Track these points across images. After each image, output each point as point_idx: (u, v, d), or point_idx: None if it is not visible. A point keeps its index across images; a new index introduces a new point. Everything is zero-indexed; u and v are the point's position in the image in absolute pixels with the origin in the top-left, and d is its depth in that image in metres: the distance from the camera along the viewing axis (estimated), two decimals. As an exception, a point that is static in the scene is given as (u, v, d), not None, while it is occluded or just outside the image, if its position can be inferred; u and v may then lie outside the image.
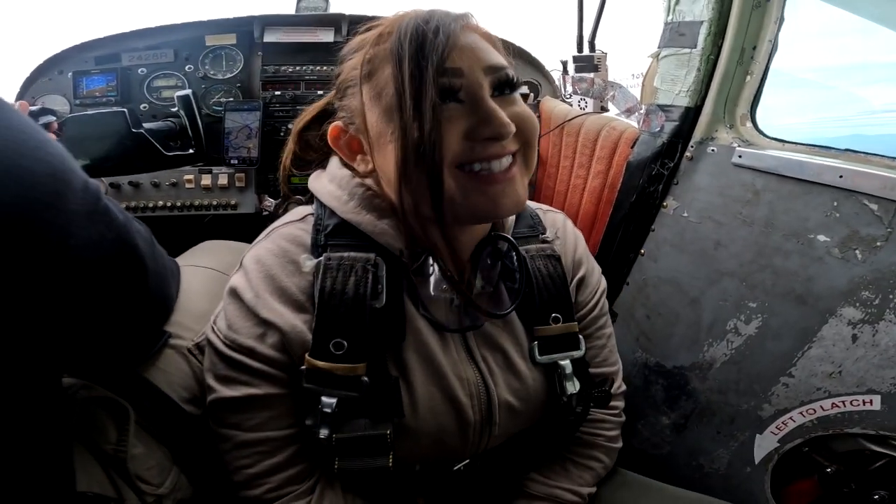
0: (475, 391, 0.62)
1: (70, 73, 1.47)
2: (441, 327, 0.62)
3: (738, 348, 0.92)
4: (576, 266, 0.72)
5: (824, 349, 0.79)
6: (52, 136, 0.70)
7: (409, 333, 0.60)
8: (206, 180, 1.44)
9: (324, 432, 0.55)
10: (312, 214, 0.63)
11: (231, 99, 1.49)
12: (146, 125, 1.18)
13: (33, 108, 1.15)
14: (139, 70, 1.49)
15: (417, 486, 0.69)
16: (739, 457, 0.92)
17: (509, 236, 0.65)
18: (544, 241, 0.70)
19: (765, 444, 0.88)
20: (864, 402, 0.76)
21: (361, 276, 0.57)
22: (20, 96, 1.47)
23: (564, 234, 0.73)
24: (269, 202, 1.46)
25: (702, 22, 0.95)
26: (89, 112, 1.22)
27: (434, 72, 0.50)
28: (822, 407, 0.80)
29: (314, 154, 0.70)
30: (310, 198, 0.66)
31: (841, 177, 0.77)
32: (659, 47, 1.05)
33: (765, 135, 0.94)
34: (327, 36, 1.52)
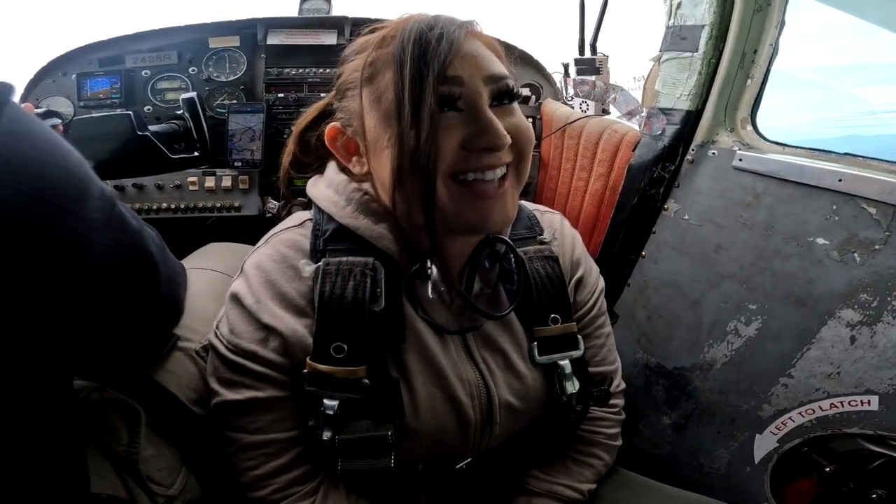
0: (476, 391, 0.63)
1: (74, 75, 1.48)
2: (440, 329, 0.62)
3: (739, 349, 0.92)
4: (574, 266, 0.73)
5: (823, 350, 0.80)
6: None
7: (409, 335, 0.61)
8: (210, 182, 1.45)
9: (326, 434, 0.56)
10: (311, 220, 0.64)
11: (234, 101, 1.50)
12: (151, 128, 1.19)
13: (38, 110, 1.16)
14: (143, 72, 1.49)
15: (420, 484, 0.70)
16: (739, 456, 0.93)
17: (507, 238, 0.66)
18: (542, 243, 0.70)
19: (764, 444, 0.89)
20: (862, 403, 0.77)
21: (360, 281, 0.58)
22: (24, 98, 1.48)
23: (562, 234, 0.74)
24: (273, 204, 1.47)
25: (703, 26, 0.96)
26: (95, 115, 1.23)
27: (435, 79, 0.50)
28: (820, 407, 0.81)
29: (311, 157, 0.71)
30: (310, 201, 0.67)
31: (840, 181, 0.78)
32: (660, 51, 1.06)
33: (765, 138, 0.95)
34: (330, 38, 1.53)
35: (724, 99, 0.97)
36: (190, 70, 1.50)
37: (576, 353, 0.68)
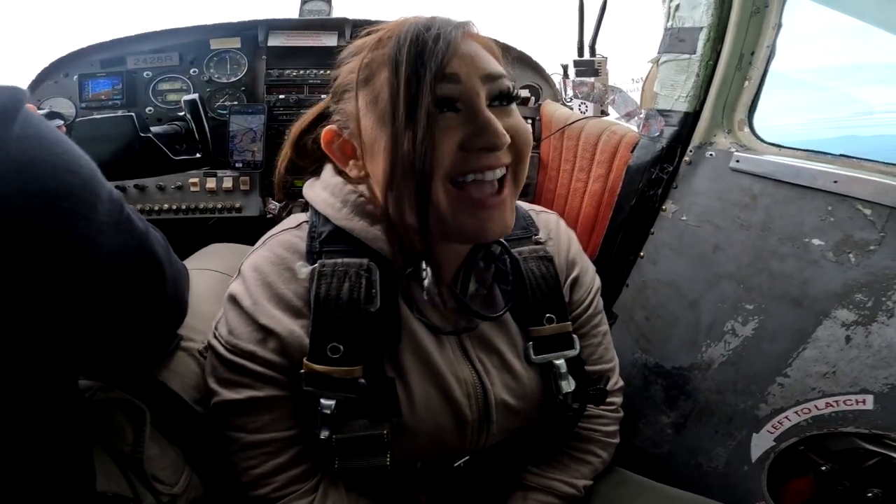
0: (472, 391, 0.64)
1: (76, 76, 1.48)
2: (436, 330, 0.63)
3: (736, 349, 0.93)
4: (569, 266, 0.73)
5: (819, 350, 0.81)
6: None
7: (405, 336, 0.61)
8: (211, 183, 1.46)
9: (324, 433, 0.57)
10: (308, 222, 0.64)
11: (235, 102, 1.50)
12: (153, 129, 1.20)
13: (41, 111, 1.17)
14: (144, 73, 1.50)
15: (419, 482, 0.71)
16: (737, 455, 0.94)
17: (502, 240, 0.66)
18: (537, 243, 0.71)
19: (761, 443, 0.90)
20: (857, 402, 0.77)
21: (355, 282, 0.58)
22: (26, 99, 1.49)
23: (557, 234, 0.74)
24: (274, 205, 1.47)
25: (701, 28, 0.97)
26: (97, 116, 1.23)
27: (432, 78, 0.50)
28: (816, 406, 0.82)
29: (307, 161, 0.71)
30: (307, 203, 0.67)
31: (835, 182, 0.79)
32: (659, 53, 1.07)
33: (762, 140, 0.96)
34: (330, 40, 1.53)
35: (722, 101, 0.98)
36: (191, 71, 1.51)
37: (571, 353, 0.68)
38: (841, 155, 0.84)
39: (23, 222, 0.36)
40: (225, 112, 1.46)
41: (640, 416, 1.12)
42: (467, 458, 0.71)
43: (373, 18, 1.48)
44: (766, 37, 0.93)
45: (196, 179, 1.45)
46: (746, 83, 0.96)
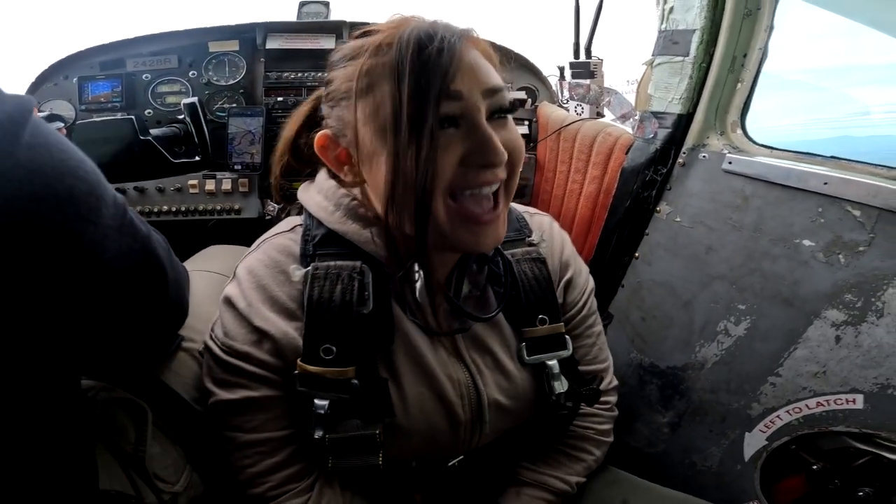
0: (465, 391, 0.65)
1: (75, 79, 1.48)
2: (429, 331, 0.64)
3: (729, 349, 0.94)
4: (563, 268, 0.74)
5: (809, 350, 0.82)
6: None
7: (399, 337, 0.62)
8: (211, 185, 1.47)
9: (317, 433, 0.58)
10: (302, 225, 0.65)
11: (234, 105, 1.51)
12: (152, 131, 1.21)
13: (42, 113, 1.18)
14: (143, 76, 1.51)
15: (414, 482, 0.72)
16: (730, 455, 0.95)
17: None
18: (530, 245, 0.71)
19: (754, 442, 0.91)
20: (847, 401, 0.78)
21: (347, 284, 0.59)
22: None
23: (551, 236, 0.75)
24: (273, 207, 1.48)
25: (694, 30, 0.98)
26: (97, 119, 1.24)
27: (436, 95, 0.50)
28: (807, 406, 0.83)
29: (303, 165, 0.71)
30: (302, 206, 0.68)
31: (826, 183, 0.80)
32: (653, 55, 1.08)
33: (754, 141, 0.97)
34: (329, 42, 1.54)
35: (715, 103, 0.99)
36: (190, 74, 1.52)
37: (564, 353, 0.69)
38: (832, 157, 0.85)
39: (36, 228, 0.37)
40: (224, 114, 1.47)
41: (636, 416, 1.13)
42: (461, 457, 0.72)
43: (371, 21, 1.49)
44: (758, 39, 0.94)
45: (195, 181, 1.46)
46: (739, 85, 0.97)
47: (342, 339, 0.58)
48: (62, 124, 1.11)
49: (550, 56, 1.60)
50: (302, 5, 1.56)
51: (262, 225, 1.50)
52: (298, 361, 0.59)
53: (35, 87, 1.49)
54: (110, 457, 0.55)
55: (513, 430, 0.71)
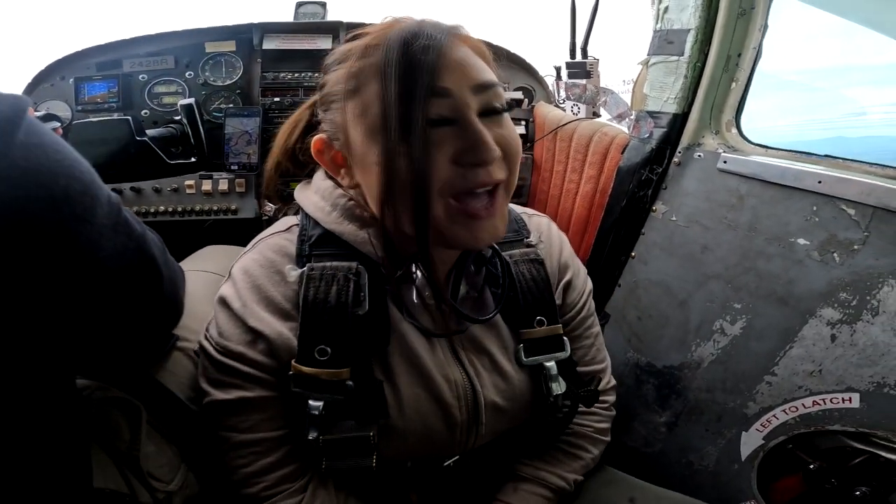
0: (462, 392, 0.64)
1: (72, 79, 1.48)
2: (426, 332, 0.63)
3: (724, 348, 0.94)
4: (562, 269, 0.74)
5: (805, 349, 0.82)
6: None
7: (395, 338, 0.62)
8: (207, 186, 1.46)
9: (312, 434, 0.57)
10: (298, 225, 0.65)
11: (231, 105, 1.51)
12: (149, 132, 1.21)
13: (38, 113, 1.18)
14: (140, 76, 1.51)
15: (410, 482, 0.72)
16: (727, 454, 0.95)
17: (493, 243, 0.67)
18: (528, 246, 0.71)
19: (750, 442, 0.91)
20: (843, 400, 0.78)
21: (343, 285, 0.59)
22: (22, 102, 1.49)
23: (549, 238, 0.75)
24: (270, 207, 1.48)
25: (689, 30, 0.98)
26: (94, 119, 1.24)
27: (423, 94, 0.49)
28: (803, 405, 0.83)
29: (299, 170, 0.71)
30: (298, 207, 0.68)
31: (820, 182, 0.80)
32: (648, 54, 1.08)
33: (749, 141, 0.97)
34: (325, 43, 1.54)
35: (710, 102, 0.99)
36: (187, 74, 1.52)
37: (562, 355, 0.69)
38: (826, 155, 0.85)
39: (27, 226, 0.37)
40: (220, 115, 1.47)
41: (633, 416, 1.12)
42: (457, 457, 0.72)
43: (368, 22, 1.49)
44: (753, 38, 0.94)
45: (192, 182, 1.46)
46: (733, 84, 0.98)
47: (337, 341, 0.58)
48: (58, 124, 1.10)
49: (547, 56, 1.61)
50: (299, 6, 1.57)
51: (258, 225, 1.50)
52: (293, 362, 0.58)
53: (32, 87, 1.49)
54: (105, 455, 0.54)
55: (509, 430, 0.71)
